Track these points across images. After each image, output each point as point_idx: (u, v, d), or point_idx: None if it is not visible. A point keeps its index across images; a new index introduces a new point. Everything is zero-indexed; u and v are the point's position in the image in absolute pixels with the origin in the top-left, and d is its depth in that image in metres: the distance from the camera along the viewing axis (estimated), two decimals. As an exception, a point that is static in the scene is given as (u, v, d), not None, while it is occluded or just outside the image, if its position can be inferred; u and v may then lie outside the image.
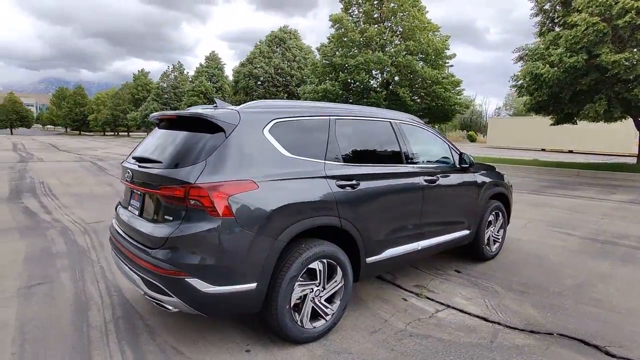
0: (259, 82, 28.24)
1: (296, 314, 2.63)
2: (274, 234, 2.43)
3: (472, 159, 4.03)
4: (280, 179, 2.54)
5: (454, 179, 3.92)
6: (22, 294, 3.33)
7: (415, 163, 3.56)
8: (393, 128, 3.49)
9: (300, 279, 2.64)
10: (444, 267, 4.31)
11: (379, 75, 17.96)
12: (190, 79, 40.35)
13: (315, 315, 2.75)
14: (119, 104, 54.39)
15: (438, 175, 3.69)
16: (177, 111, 2.78)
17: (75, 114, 74.54)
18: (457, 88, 17.77)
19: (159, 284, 2.33)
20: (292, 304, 2.56)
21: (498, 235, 4.64)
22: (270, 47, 29.16)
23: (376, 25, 17.72)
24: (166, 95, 41.79)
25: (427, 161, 3.81)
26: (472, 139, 45.83)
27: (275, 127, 2.67)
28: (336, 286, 2.84)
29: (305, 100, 19.38)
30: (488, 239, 4.46)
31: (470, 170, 4.14)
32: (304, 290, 2.64)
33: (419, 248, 3.52)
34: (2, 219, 5.96)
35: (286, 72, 28.21)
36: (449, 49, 17.87)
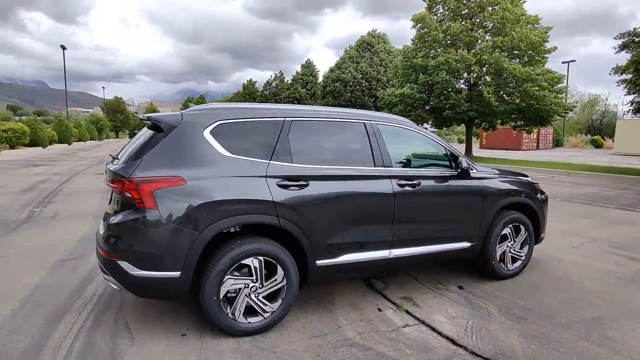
0: (347, 86, 28.68)
1: (228, 306, 2.75)
2: (198, 228, 2.59)
3: (466, 163, 3.62)
4: (212, 177, 2.69)
5: (445, 185, 3.58)
6: (55, 266, 4.09)
7: (390, 166, 3.35)
8: (367, 129, 3.36)
9: (237, 273, 2.75)
10: (447, 282, 3.95)
11: (465, 74, 16.64)
12: (287, 87, 42.96)
13: (253, 311, 2.82)
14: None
15: (420, 180, 3.42)
16: (144, 114, 3.13)
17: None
18: (558, 86, 15.50)
19: (102, 265, 2.70)
20: (220, 296, 2.69)
21: (520, 252, 4.05)
22: (359, 52, 29.41)
23: (463, 22, 16.50)
24: (271, 103, 45.15)
25: (411, 165, 3.56)
26: (598, 145, 39.33)
27: (219, 128, 2.84)
28: (277, 285, 2.88)
29: (385, 103, 19.07)
30: (502, 255, 3.94)
31: (472, 176, 3.72)
32: (236, 284, 2.74)
33: (391, 256, 3.32)
34: (90, 206, 7.27)
35: (372, 76, 28.12)
36: (548, 42, 15.72)
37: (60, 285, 3.60)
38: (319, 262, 3.01)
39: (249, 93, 53.56)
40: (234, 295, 2.77)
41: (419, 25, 17.33)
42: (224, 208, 2.67)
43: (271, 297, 2.89)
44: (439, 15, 17.86)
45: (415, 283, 3.93)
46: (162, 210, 2.54)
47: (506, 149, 32.38)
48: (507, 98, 16.20)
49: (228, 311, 2.73)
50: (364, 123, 3.37)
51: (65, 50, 42.16)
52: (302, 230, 2.90)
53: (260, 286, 2.83)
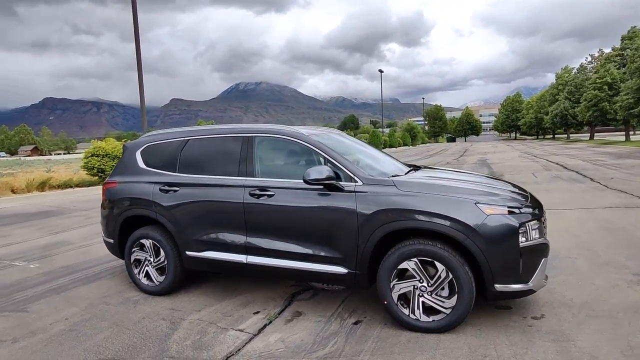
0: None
1: (137, 269, 4.06)
2: (118, 213, 4.08)
3: (331, 173, 3.06)
4: (129, 182, 4.09)
5: (305, 198, 3.24)
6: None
7: (252, 176, 3.49)
8: (242, 142, 3.63)
9: (144, 250, 4.01)
10: (361, 313, 3.38)
11: None
12: (597, 69, 32.55)
13: (149, 277, 3.99)
14: (543, 106, 53.07)
15: (275, 191, 3.35)
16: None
17: (511, 120, 79.79)
18: None
19: None
20: (131, 261, 4.04)
21: (443, 302, 2.88)
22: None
23: None
24: (578, 92, 36.02)
25: (278, 176, 3.47)
26: None
27: (146, 149, 4.19)
28: (162, 263, 3.90)
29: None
30: (404, 298, 3.00)
31: (345, 189, 3.11)
32: (139, 256, 4.00)
33: (245, 262, 3.50)
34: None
35: None
36: None
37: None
38: (188, 253, 3.75)
39: (562, 83, 45.14)
40: (140, 262, 4.04)
41: None
42: (128, 202, 4.03)
43: (161, 272, 3.94)
44: None
45: (334, 305, 3.62)
46: (106, 200, 4.22)
47: None
48: None
49: (136, 272, 4.05)
50: (242, 137, 3.69)
51: (382, 73, 51.33)
52: (173, 225, 3.77)
53: (153, 261, 3.95)
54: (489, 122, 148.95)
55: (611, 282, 3.60)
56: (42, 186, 11.75)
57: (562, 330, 2.81)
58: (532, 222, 2.85)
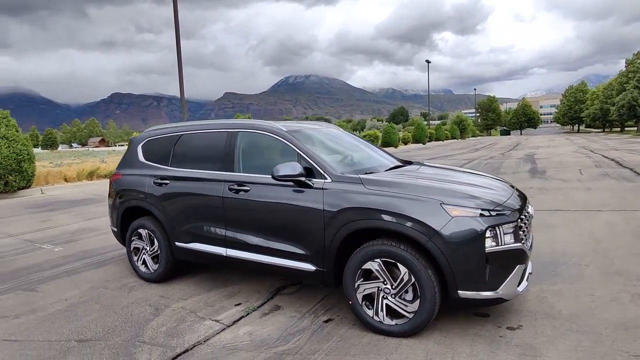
0: None
1: (135, 257, 4.31)
2: (120, 203, 4.35)
3: (300, 170, 3.04)
4: (130, 174, 4.33)
5: (275, 193, 3.25)
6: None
7: (232, 171, 3.56)
8: (226, 138, 3.71)
9: (142, 239, 4.24)
10: (336, 311, 3.37)
11: None
12: None
13: (146, 265, 4.22)
14: (610, 96, 48.35)
15: (250, 186, 3.39)
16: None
17: (573, 111, 73.71)
18: None
19: None
20: (131, 248, 4.31)
21: (405, 305, 2.77)
22: None
23: None
24: None
25: (255, 171, 3.50)
26: None
27: (146, 143, 4.41)
28: (156, 252, 4.10)
29: None
30: (370, 299, 2.92)
31: (313, 186, 3.08)
32: (137, 244, 4.26)
33: (225, 255, 3.59)
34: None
35: None
36: None
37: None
38: (177, 244, 3.92)
39: (632, 70, 40.69)
40: (138, 250, 4.28)
41: None
42: (128, 193, 4.27)
43: (156, 260, 4.15)
44: None
45: (314, 301, 3.63)
46: (113, 190, 4.50)
47: None
48: None
49: (135, 259, 4.30)
50: (226, 132, 3.77)
51: (429, 64, 49.49)
52: (164, 216, 3.95)
53: (149, 249, 4.17)
54: (550, 114, 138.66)
55: (613, 295, 3.26)
56: (91, 175, 12.80)
57: (534, 344, 2.60)
58: (505, 226, 2.65)
